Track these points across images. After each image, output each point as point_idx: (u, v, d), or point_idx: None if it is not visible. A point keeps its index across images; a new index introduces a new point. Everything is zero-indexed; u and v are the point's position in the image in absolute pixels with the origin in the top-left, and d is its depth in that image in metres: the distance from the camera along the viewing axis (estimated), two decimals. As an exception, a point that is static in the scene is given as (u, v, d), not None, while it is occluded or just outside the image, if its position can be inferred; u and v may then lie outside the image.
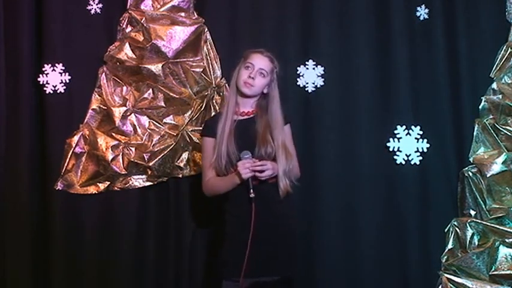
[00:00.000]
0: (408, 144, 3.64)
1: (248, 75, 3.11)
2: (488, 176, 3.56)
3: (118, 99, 3.85)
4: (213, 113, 3.71)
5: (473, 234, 3.54)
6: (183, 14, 3.80)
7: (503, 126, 3.59)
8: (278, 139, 3.10)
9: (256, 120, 3.14)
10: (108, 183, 3.83)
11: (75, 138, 3.86)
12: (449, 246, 3.60)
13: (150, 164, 3.72)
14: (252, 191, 2.98)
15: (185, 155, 3.77)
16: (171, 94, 3.74)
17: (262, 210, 3.02)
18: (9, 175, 3.96)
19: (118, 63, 3.78)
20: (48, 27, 3.93)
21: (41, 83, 3.92)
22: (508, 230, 3.48)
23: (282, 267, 3.07)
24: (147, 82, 3.76)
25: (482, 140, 3.63)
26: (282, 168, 3.07)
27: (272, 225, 3.06)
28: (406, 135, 3.64)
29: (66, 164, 3.86)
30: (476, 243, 3.54)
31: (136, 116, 3.81)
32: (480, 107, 3.66)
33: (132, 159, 3.74)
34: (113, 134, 3.82)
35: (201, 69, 3.76)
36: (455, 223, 3.60)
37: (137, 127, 3.81)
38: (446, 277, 3.52)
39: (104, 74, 3.85)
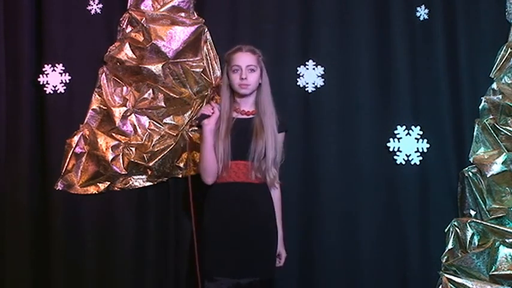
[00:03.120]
0: (408, 145, 3.64)
1: (240, 78, 3.13)
2: (488, 176, 3.56)
3: (118, 100, 3.85)
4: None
5: (473, 235, 3.54)
6: (183, 14, 3.80)
7: (503, 127, 3.59)
8: (268, 125, 3.14)
9: (255, 122, 3.17)
10: (108, 183, 3.83)
11: (76, 139, 3.86)
12: (449, 246, 3.60)
13: (150, 164, 3.72)
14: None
15: (185, 155, 3.77)
16: (171, 94, 3.75)
17: (245, 210, 3.10)
18: (9, 175, 3.96)
19: (118, 64, 3.78)
20: (48, 27, 3.93)
21: (41, 83, 3.93)
22: (508, 230, 3.48)
23: (262, 268, 3.12)
24: (147, 82, 3.76)
25: (482, 140, 3.63)
26: (272, 157, 3.13)
27: (254, 225, 3.11)
28: (406, 135, 3.64)
29: (66, 164, 3.86)
30: (476, 243, 3.54)
31: (136, 116, 3.82)
32: (480, 107, 3.66)
33: (132, 160, 3.75)
34: (113, 134, 3.82)
35: (201, 70, 3.76)
36: (456, 223, 3.60)
37: (137, 127, 3.81)
38: (447, 277, 3.53)
39: (104, 74, 3.86)
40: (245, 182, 3.14)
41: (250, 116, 3.21)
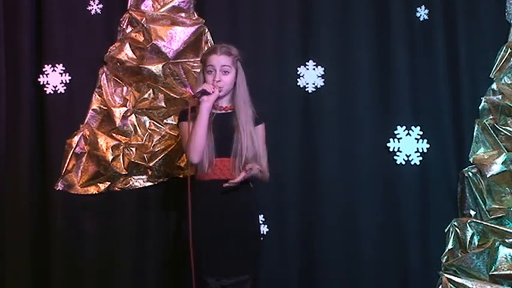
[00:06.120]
0: (408, 145, 3.64)
1: (213, 79, 3.10)
2: (488, 176, 3.56)
3: (118, 100, 3.86)
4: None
5: (473, 235, 3.55)
6: (183, 14, 3.81)
7: (503, 127, 3.59)
8: (243, 124, 3.10)
9: (233, 116, 3.14)
10: (109, 183, 3.84)
11: (76, 139, 3.86)
12: (449, 246, 3.60)
13: (151, 164, 3.73)
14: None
15: (185, 156, 3.77)
16: (172, 94, 3.75)
17: (229, 208, 3.07)
18: (9, 175, 3.96)
19: (118, 64, 3.78)
20: (48, 27, 3.93)
21: (42, 83, 3.93)
22: (508, 230, 3.49)
23: (247, 266, 3.09)
24: (147, 82, 3.76)
25: (482, 140, 3.64)
26: (248, 155, 3.07)
27: (239, 223, 3.09)
28: (406, 135, 3.64)
29: (66, 165, 3.86)
30: (476, 243, 3.55)
31: (136, 117, 3.82)
32: (480, 107, 3.66)
33: (133, 160, 3.75)
34: (114, 135, 3.82)
35: (202, 70, 3.77)
36: (455, 223, 3.60)
37: (137, 127, 3.81)
38: (446, 277, 3.53)
39: (104, 74, 3.86)
40: (230, 180, 3.06)
41: (229, 111, 3.17)
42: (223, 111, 3.17)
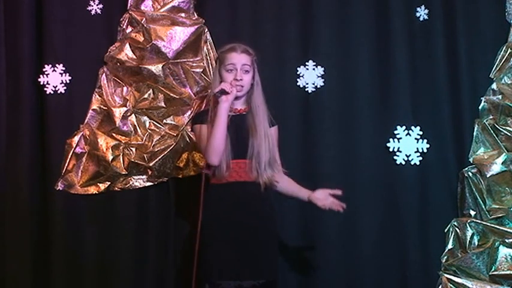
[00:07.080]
0: (408, 145, 3.64)
1: (234, 78, 3.03)
2: (488, 176, 3.56)
3: (118, 100, 3.86)
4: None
5: (473, 235, 3.55)
6: (183, 14, 3.81)
7: (503, 127, 3.59)
8: (260, 126, 3.05)
9: (249, 119, 3.09)
10: (109, 183, 3.84)
11: (76, 139, 3.86)
12: (449, 246, 3.60)
13: (151, 164, 3.73)
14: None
15: (185, 156, 3.78)
16: (171, 94, 3.75)
17: (248, 210, 3.02)
18: (9, 175, 3.96)
19: (118, 64, 3.78)
20: (49, 27, 3.94)
21: (42, 83, 3.93)
22: (508, 230, 3.49)
23: (265, 269, 3.03)
24: (147, 82, 3.76)
25: (482, 140, 3.64)
26: (265, 158, 3.02)
27: (257, 225, 3.03)
28: (406, 135, 3.64)
29: (66, 164, 3.86)
30: (476, 243, 3.55)
31: (136, 117, 3.82)
32: (480, 107, 3.66)
33: (133, 160, 3.75)
34: (113, 135, 3.82)
35: (201, 70, 3.77)
36: (455, 223, 3.60)
37: (137, 127, 3.82)
38: (446, 277, 3.53)
39: (104, 74, 3.86)
40: (247, 181, 3.04)
41: (244, 113, 3.11)
42: (238, 113, 3.11)
